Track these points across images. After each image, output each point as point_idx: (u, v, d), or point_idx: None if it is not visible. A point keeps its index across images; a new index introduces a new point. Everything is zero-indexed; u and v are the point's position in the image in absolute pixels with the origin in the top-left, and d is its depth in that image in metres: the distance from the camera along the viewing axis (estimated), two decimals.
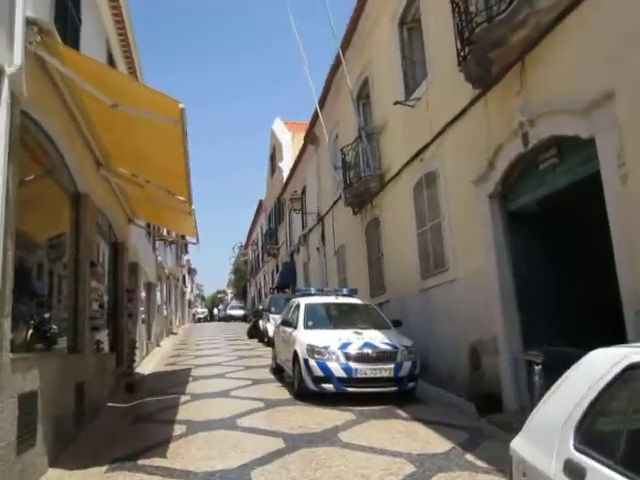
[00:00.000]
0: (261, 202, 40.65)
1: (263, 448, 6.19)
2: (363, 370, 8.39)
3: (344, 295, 11.31)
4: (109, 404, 9.36)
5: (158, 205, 10.67)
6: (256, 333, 21.81)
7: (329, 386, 8.46)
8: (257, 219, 44.68)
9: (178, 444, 6.48)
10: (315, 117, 19.38)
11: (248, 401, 8.91)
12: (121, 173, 9.29)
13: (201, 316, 67.60)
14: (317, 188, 21.15)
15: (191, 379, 11.64)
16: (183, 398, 9.45)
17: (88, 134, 7.74)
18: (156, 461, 5.89)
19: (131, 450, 6.32)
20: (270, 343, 18.01)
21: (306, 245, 23.37)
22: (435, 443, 6.41)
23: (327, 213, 19.29)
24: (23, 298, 7.00)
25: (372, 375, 8.40)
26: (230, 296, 74.93)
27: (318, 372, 8.48)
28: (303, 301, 10.67)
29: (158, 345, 20.05)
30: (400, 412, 8.05)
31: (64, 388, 6.58)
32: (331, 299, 10.93)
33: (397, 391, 8.65)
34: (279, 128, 32.15)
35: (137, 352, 14.19)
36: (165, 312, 25.69)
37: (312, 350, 8.69)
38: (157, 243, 20.83)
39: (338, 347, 8.62)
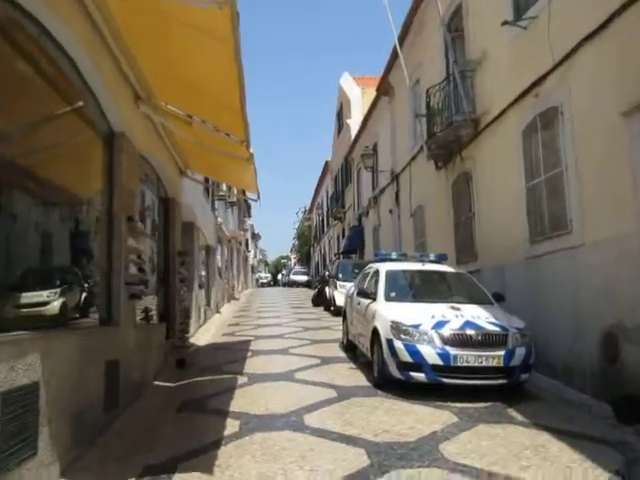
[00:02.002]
0: (327, 163, 38.75)
1: (341, 466, 4.52)
2: (464, 357, 6.54)
3: (431, 262, 9.41)
4: (155, 383, 8.01)
5: (212, 152, 9.06)
6: (321, 301, 20.31)
7: (419, 375, 6.68)
8: (322, 182, 42.90)
9: (229, 450, 4.91)
10: (391, 63, 17.27)
11: (317, 388, 7.28)
12: (165, 109, 7.69)
13: (264, 281, 67.51)
14: (390, 144, 19.09)
15: (250, 354, 10.15)
16: (240, 379, 7.94)
17: (119, 54, 6.11)
18: (197, 476, 4.36)
19: (169, 453, 4.83)
20: (337, 312, 16.46)
21: (376, 207, 21.44)
22: (579, 470, 4.55)
23: (403, 170, 17.25)
24: (77, 259, 6.17)
25: (476, 364, 6.55)
26: (293, 261, 74.19)
27: (406, 357, 6.71)
28: (383, 267, 8.85)
29: (218, 312, 18.86)
30: (513, 413, 6.20)
31: (88, 372, 5.13)
32: (417, 266, 9.05)
33: (506, 384, 6.79)
34: (347, 83, 30.00)
35: (192, 321, 12.91)
36: (226, 277, 24.57)
37: (398, 329, 6.91)
38: (217, 204, 19.46)
39: (432, 326, 6.80)
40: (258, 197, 10.87)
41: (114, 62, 6.12)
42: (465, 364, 6.53)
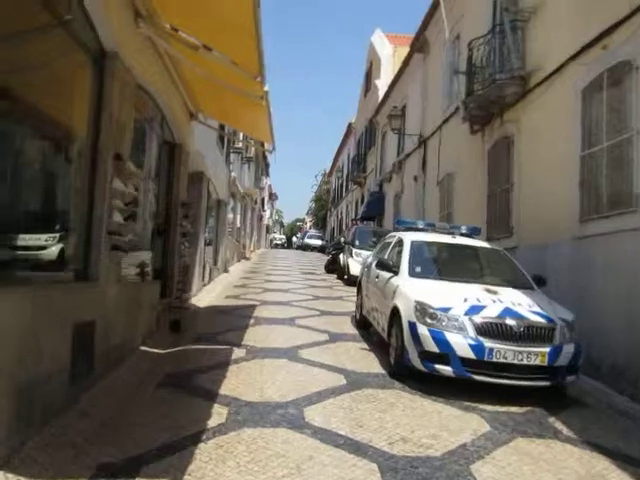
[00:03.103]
0: (350, 126, 37.21)
1: None
2: (501, 352, 5.44)
3: (462, 235, 8.24)
4: (143, 348, 7.06)
5: (223, 91, 7.91)
6: (335, 268, 19.27)
7: (446, 369, 5.60)
8: (344, 144, 41.40)
9: (208, 450, 3.93)
10: (429, 16, 15.81)
11: (323, 372, 6.25)
12: (170, 33, 6.52)
13: (278, 242, 66.70)
14: (421, 106, 17.71)
15: (252, 322, 9.16)
16: (236, 353, 6.95)
17: None
18: None
19: (134, 448, 3.86)
20: (351, 281, 15.44)
21: (400, 173, 20.15)
22: None
23: (432, 134, 15.94)
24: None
25: (514, 361, 5.44)
26: (309, 225, 73.14)
27: (430, 346, 5.62)
28: (408, 237, 7.70)
29: (226, 271, 17.92)
30: (557, 424, 5.13)
31: (46, 335, 4.13)
32: (446, 239, 7.88)
33: (549, 386, 5.71)
34: (379, 41, 28.25)
35: (195, 280, 11.96)
36: (237, 235, 23.58)
37: (423, 311, 5.82)
38: (232, 157, 18.30)
39: (464, 311, 5.70)
40: (273, 148, 9.73)
41: None
42: (502, 360, 5.44)
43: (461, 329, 5.58)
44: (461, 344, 5.49)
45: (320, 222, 60.89)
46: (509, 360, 5.43)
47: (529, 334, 5.55)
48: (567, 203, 7.91)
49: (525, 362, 5.45)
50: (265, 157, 38.16)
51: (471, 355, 5.45)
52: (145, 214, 8.62)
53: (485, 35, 10.53)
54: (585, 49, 7.58)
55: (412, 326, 5.81)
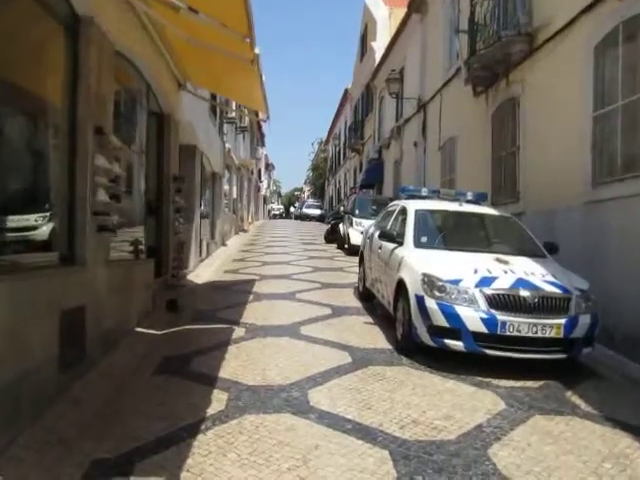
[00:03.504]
0: (346, 91, 36.44)
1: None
2: (515, 325, 5.16)
3: (468, 202, 7.90)
4: (138, 329, 6.79)
5: (211, 56, 7.47)
6: (335, 238, 18.96)
7: (456, 344, 5.32)
8: (341, 111, 40.64)
9: (207, 441, 3.67)
10: None
11: (326, 349, 5.98)
12: None
13: (276, 212, 66.35)
14: (420, 68, 17.16)
15: (252, 297, 8.89)
16: (236, 331, 6.68)
17: None
18: None
19: (130, 442, 3.61)
20: (351, 251, 15.17)
21: (400, 139, 19.67)
22: None
23: (433, 98, 15.43)
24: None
25: (529, 334, 5.16)
26: (307, 194, 72.60)
27: (440, 320, 5.34)
28: (412, 206, 7.34)
29: (224, 244, 17.63)
30: (574, 398, 4.88)
31: (32, 326, 3.85)
32: (452, 206, 7.53)
33: (565, 360, 5.45)
34: (373, 2, 27.41)
35: (191, 255, 11.66)
36: (234, 207, 23.20)
37: (431, 284, 5.51)
38: (225, 128, 17.80)
39: (475, 283, 5.39)
40: (268, 117, 9.32)
41: None
42: (515, 333, 5.15)
43: (472, 302, 5.28)
44: (472, 318, 5.20)
45: (318, 191, 60.40)
46: (523, 333, 5.15)
47: (544, 305, 5.26)
48: (578, 166, 7.54)
49: (540, 335, 5.16)
50: (260, 127, 37.53)
51: (483, 329, 5.17)
52: (135, 190, 8.28)
53: None
54: (599, 1, 7.11)
55: (420, 300, 5.52)
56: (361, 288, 8.96)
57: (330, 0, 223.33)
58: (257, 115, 13.41)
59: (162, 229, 9.32)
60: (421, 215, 7.07)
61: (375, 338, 6.53)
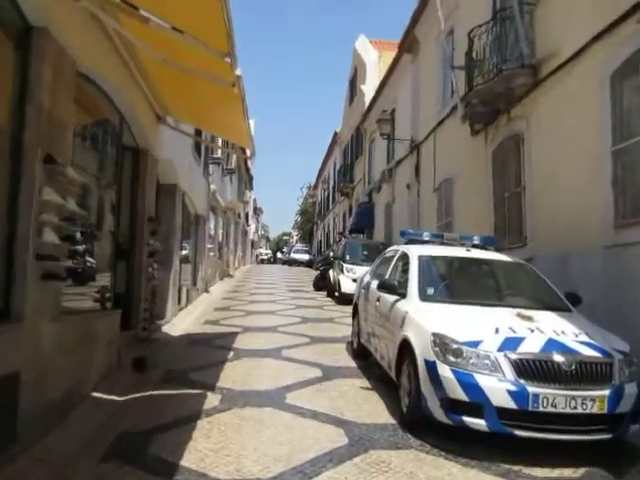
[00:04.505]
0: (336, 134, 36.09)
1: None
2: (549, 398, 4.19)
3: (475, 246, 7.03)
4: (95, 395, 5.75)
5: (191, 86, 6.70)
6: (324, 285, 17.97)
7: (478, 422, 4.31)
8: (330, 154, 40.22)
9: None
10: (418, 12, 14.76)
11: (318, 425, 4.93)
12: (117, 5, 5.27)
13: (264, 257, 65.34)
14: (411, 109, 16.64)
15: (231, 355, 7.85)
16: (210, 399, 5.63)
17: None
18: None
19: None
20: (343, 300, 14.21)
21: (391, 182, 18.99)
22: None
23: (426, 138, 14.80)
24: None
25: (567, 409, 4.19)
26: (295, 239, 71.81)
27: (457, 392, 4.36)
28: (414, 252, 6.44)
29: (206, 291, 16.58)
30: None
31: None
32: (459, 252, 6.65)
33: (611, 439, 4.45)
34: (363, 46, 27.29)
35: (168, 304, 10.65)
36: (219, 252, 22.23)
37: (444, 347, 4.56)
38: (211, 168, 17.01)
39: (498, 346, 4.45)
40: (253, 153, 8.51)
41: None
42: (550, 409, 4.18)
43: (495, 369, 4.32)
44: (497, 390, 4.23)
45: (307, 236, 59.63)
46: (559, 409, 4.18)
47: (582, 373, 4.31)
48: (596, 206, 6.75)
49: (579, 410, 4.20)
50: (248, 170, 36.97)
51: (511, 404, 4.20)
52: (103, 231, 7.38)
53: (488, 22, 9.41)
54: (614, 26, 6.45)
55: (431, 366, 4.55)
56: (355, 344, 7.96)
57: (320, 45, 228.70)
58: (244, 152, 12.62)
59: (133, 275, 8.35)
60: (425, 262, 6.16)
61: (375, 408, 5.50)
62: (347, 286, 14.42)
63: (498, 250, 8.46)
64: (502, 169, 9.74)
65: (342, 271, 15.07)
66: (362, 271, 13.63)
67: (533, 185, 8.55)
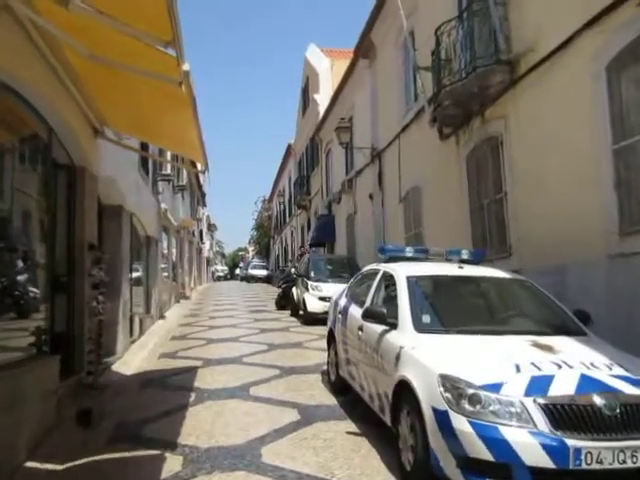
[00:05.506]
0: (289, 147, 35.27)
1: None
2: (594, 452, 3.38)
3: (463, 261, 6.25)
4: (29, 464, 4.71)
5: (131, 91, 5.74)
6: (287, 303, 17.01)
7: None
8: (284, 166, 39.35)
9: None
10: (374, 16, 14.15)
11: None
12: None
13: (221, 274, 63.88)
14: (371, 116, 15.98)
15: (193, 397, 6.82)
16: (170, 464, 4.64)
17: None
18: None
19: None
20: (309, 319, 13.34)
21: (352, 192, 18.27)
22: None
23: (389, 145, 14.14)
24: None
25: (614, 464, 3.41)
26: (251, 254, 70.43)
27: (478, 450, 3.49)
28: (401, 272, 5.56)
29: (162, 317, 15.41)
30: None
31: None
32: (450, 269, 5.83)
33: None
34: (314, 55, 26.66)
35: (119, 337, 9.54)
36: (174, 273, 21.01)
37: (457, 391, 3.72)
38: (161, 186, 15.90)
39: (525, 389, 3.64)
40: (206, 167, 7.56)
41: None
42: (595, 466, 3.39)
43: (525, 420, 3.50)
44: (530, 446, 3.40)
45: (264, 250, 58.45)
46: (606, 465, 3.39)
47: (629, 417, 3.54)
48: (595, 211, 6.11)
49: (630, 464, 3.42)
50: (200, 186, 35.73)
51: (548, 463, 3.37)
52: (33, 263, 6.31)
53: (458, 17, 8.76)
54: (608, 11, 5.83)
55: (441, 417, 3.70)
56: (333, 377, 7.05)
57: (268, 57, 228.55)
58: (195, 167, 11.61)
59: (75, 311, 7.29)
60: (415, 284, 5.33)
61: (369, 463, 4.60)
62: (313, 305, 13.57)
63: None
64: (478, 175, 9.09)
65: (307, 289, 14.18)
66: (328, 288, 12.88)
67: (516, 191, 7.89)
